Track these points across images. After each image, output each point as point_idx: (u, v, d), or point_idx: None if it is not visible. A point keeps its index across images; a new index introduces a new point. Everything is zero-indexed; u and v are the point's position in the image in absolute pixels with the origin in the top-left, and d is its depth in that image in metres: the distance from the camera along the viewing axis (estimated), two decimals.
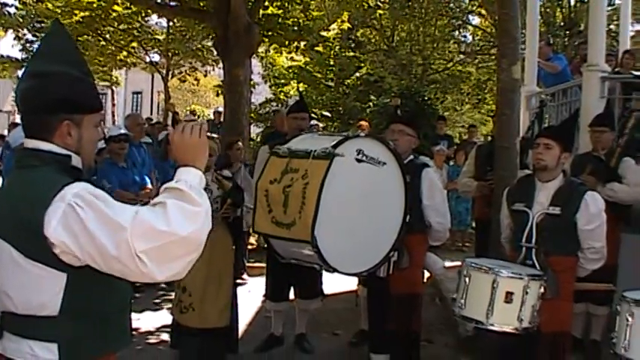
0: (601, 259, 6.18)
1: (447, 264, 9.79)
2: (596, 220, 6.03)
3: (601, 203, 6.12)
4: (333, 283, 9.92)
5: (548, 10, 33.36)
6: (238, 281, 9.95)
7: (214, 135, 8.98)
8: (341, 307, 10.47)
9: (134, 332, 8.95)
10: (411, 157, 7.21)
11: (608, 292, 7.21)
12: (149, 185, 10.32)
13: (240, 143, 12.52)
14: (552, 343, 6.02)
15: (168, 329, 8.26)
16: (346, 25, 25.28)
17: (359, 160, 6.11)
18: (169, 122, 17.93)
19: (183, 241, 3.01)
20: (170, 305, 8.43)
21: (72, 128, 3.26)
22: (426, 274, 8.24)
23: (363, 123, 17.91)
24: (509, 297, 5.50)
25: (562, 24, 33.10)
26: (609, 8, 27.68)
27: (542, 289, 5.67)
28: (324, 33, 22.33)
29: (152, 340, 9.31)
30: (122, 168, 9.98)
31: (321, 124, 20.81)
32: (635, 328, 5.16)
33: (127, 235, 2.90)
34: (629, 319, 5.19)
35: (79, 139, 3.30)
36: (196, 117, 26.40)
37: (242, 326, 9.02)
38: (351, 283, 9.76)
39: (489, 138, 11.52)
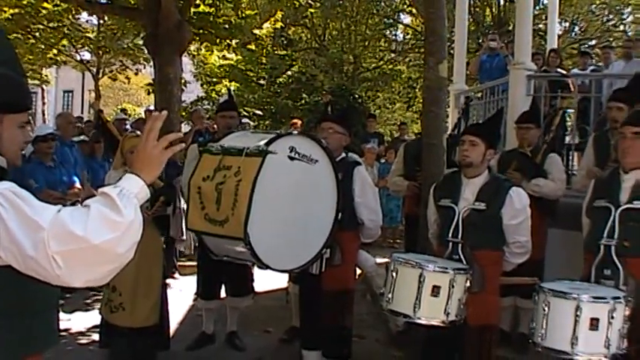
0: (526, 253, 6.28)
1: (379, 260, 9.87)
2: (521, 215, 6.12)
3: (525, 198, 6.21)
4: (264, 281, 9.96)
5: (477, 9, 33.74)
6: (169, 280, 9.94)
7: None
8: (272, 305, 10.50)
9: (64, 333, 8.93)
10: (343, 154, 7.27)
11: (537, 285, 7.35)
12: (77, 184, 10.23)
13: None
14: (479, 335, 6.09)
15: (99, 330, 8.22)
16: (279, 24, 25.28)
17: (291, 158, 6.17)
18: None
19: (95, 249, 2.90)
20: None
21: None
22: (358, 271, 8.31)
23: (295, 121, 17.95)
24: (435, 291, 5.57)
25: (492, 23, 33.47)
26: (538, 8, 28.12)
27: (468, 283, 5.77)
28: (256, 31, 22.27)
29: (83, 340, 9.23)
30: (49, 167, 9.89)
31: (252, 123, 20.82)
32: (551, 317, 5.30)
33: (44, 235, 2.84)
34: (546, 308, 5.32)
35: None
36: (128, 116, 26.14)
37: (173, 325, 9.00)
38: (281, 281, 9.79)
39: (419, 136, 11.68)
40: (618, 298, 5.26)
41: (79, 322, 9.90)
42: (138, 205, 3.12)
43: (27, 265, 2.93)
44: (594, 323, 5.16)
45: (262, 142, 6.00)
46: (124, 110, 30.43)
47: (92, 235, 2.89)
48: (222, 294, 8.92)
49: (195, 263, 9.22)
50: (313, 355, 7.44)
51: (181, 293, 11.18)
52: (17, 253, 2.91)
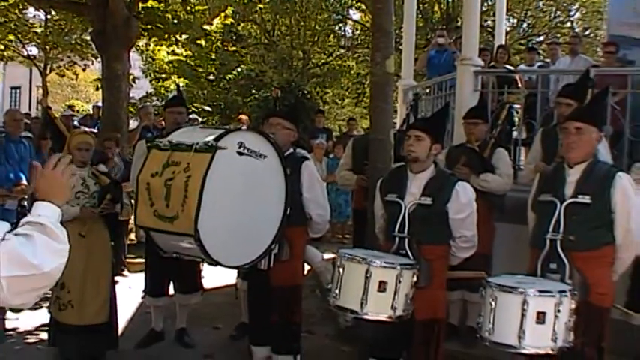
0: (472, 247, 6.33)
1: (328, 256, 9.89)
2: (467, 209, 6.17)
3: (471, 193, 6.26)
4: (213, 277, 9.96)
5: (426, 5, 33.91)
6: (117, 277, 9.87)
7: (92, 130, 8.91)
8: (221, 301, 10.49)
9: (13, 332, 8.86)
10: (291, 150, 7.26)
11: (484, 279, 7.41)
12: (24, 181, 10.14)
13: (110, 142, 12.47)
14: (427, 330, 6.12)
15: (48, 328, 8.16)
16: (229, 20, 25.20)
17: (240, 154, 6.13)
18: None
19: (45, 276, 3.04)
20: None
21: None
22: (307, 267, 8.31)
23: (242, 117, 17.93)
24: (382, 286, 5.59)
25: (440, 19, 33.66)
26: (486, 4, 28.34)
27: (415, 278, 5.80)
28: (205, 27, 22.18)
29: (31, 339, 9.17)
30: None
31: (200, 119, 20.75)
32: (498, 311, 5.37)
33: None
34: (493, 303, 5.39)
35: None
36: (75, 111, 25.94)
37: (123, 322, 8.98)
38: (230, 277, 9.77)
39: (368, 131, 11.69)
40: (564, 291, 5.34)
41: (28, 320, 9.77)
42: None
43: None
44: (541, 317, 5.23)
45: (211, 138, 5.96)
46: (71, 107, 30.16)
47: (43, 263, 3.01)
48: (171, 291, 8.89)
49: (143, 260, 9.18)
50: (262, 350, 7.42)
51: (130, 290, 11.10)
52: None
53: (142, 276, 9.23)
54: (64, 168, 3.40)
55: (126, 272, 12.69)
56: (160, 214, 6.09)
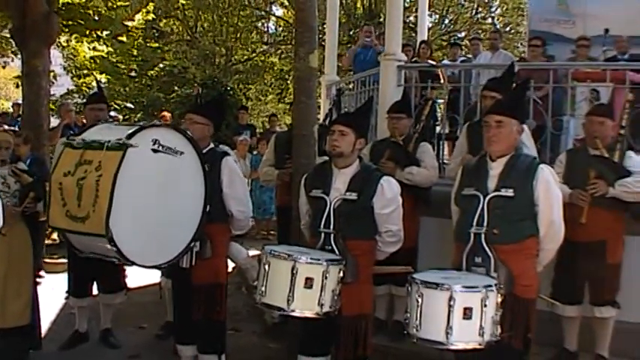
0: (398, 241, 6.34)
1: (253, 253, 9.84)
2: (392, 204, 6.16)
3: (396, 187, 6.25)
4: (137, 276, 9.81)
5: (349, 1, 34.04)
6: (40, 279, 9.71)
7: (12, 128, 8.74)
8: (146, 300, 10.38)
9: None
10: (211, 145, 7.19)
11: (410, 273, 7.41)
12: None
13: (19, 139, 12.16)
14: (354, 325, 6.12)
15: None
16: (151, 16, 25.01)
17: (155, 150, 6.04)
18: None
19: None
20: None
21: None
22: (232, 264, 8.25)
23: (165, 114, 17.80)
24: (309, 282, 5.57)
25: (363, 15, 33.80)
26: (409, 0, 28.53)
27: (341, 274, 5.79)
28: (127, 23, 21.95)
29: None
30: None
31: (122, 116, 20.58)
32: (424, 308, 5.33)
33: None
34: (419, 300, 5.36)
35: None
36: None
37: (46, 324, 8.88)
38: (154, 276, 9.66)
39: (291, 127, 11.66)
40: (490, 286, 5.34)
41: None
42: None
43: None
44: (467, 312, 5.22)
45: (124, 135, 5.87)
46: None
47: None
48: (95, 291, 8.78)
49: (66, 260, 9.04)
50: (189, 349, 7.34)
51: (53, 291, 10.89)
52: None
53: (64, 276, 9.08)
54: None
55: (42, 273, 12.41)
56: (72, 215, 5.95)
